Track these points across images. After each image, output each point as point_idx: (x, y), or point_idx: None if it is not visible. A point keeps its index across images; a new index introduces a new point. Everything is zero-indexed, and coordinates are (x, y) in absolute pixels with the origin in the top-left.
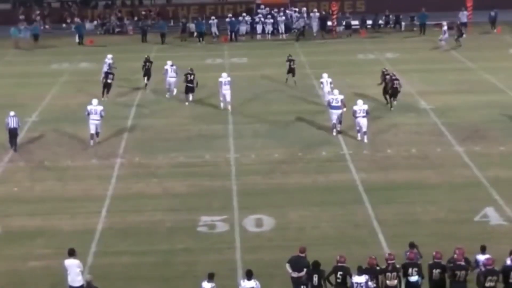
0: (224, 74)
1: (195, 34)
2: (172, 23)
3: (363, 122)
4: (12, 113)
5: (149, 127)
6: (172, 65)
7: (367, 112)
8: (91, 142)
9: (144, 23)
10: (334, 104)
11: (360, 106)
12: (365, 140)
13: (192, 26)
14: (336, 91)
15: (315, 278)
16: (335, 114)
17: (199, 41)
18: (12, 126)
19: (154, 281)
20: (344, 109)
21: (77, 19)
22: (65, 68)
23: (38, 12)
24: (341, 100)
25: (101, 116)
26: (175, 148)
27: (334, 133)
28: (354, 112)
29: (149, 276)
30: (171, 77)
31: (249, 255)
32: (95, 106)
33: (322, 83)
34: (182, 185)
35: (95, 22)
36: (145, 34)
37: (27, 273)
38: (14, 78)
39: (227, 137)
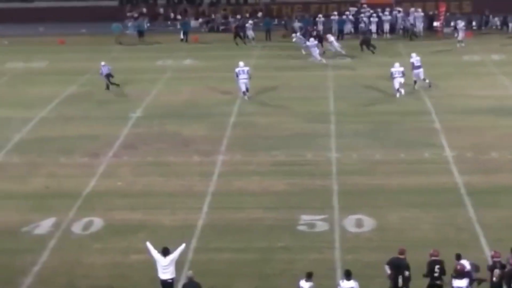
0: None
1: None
2: (276, 21)
3: (400, 80)
4: (103, 63)
5: (251, 124)
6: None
7: (403, 73)
8: (246, 97)
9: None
10: (417, 64)
11: (397, 68)
12: (403, 93)
13: (296, 24)
14: (414, 54)
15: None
16: (416, 73)
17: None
18: (107, 72)
19: (252, 278)
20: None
21: (179, 17)
22: (169, 64)
23: (144, 9)
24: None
25: (248, 75)
26: (277, 146)
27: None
28: (392, 74)
29: (248, 273)
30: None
31: (348, 255)
32: (242, 67)
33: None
34: (283, 183)
35: (200, 20)
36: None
37: (128, 266)
38: (119, 74)
39: (329, 136)
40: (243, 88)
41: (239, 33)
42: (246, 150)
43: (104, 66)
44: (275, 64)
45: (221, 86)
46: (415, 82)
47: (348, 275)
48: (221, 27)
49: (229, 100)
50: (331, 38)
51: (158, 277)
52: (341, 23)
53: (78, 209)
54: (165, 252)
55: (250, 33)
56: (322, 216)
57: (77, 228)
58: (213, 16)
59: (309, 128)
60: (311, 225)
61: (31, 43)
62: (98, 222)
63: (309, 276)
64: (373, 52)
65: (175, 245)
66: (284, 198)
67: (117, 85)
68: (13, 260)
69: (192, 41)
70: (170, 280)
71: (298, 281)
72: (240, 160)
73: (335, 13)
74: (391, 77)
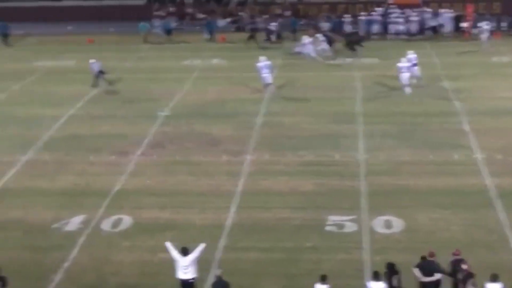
0: None
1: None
2: (303, 22)
3: (406, 75)
4: (92, 60)
5: (279, 124)
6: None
7: (409, 68)
8: (273, 89)
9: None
10: (413, 62)
11: (404, 63)
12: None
13: (325, 24)
14: (410, 51)
15: (395, 280)
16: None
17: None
18: (98, 69)
19: (280, 277)
20: None
21: (202, 15)
22: (196, 64)
23: (172, 8)
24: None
25: (270, 69)
26: (304, 146)
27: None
28: (399, 68)
29: (275, 272)
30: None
31: (377, 256)
32: (264, 62)
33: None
34: (310, 184)
35: (227, 19)
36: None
37: (156, 265)
38: (147, 73)
39: (356, 137)
40: (266, 81)
41: (254, 34)
42: (274, 150)
43: (93, 64)
44: (302, 64)
45: (248, 86)
46: (414, 79)
47: (376, 276)
48: (248, 27)
49: (256, 100)
50: (306, 40)
51: (178, 278)
52: (369, 23)
53: (107, 207)
54: (185, 252)
55: (272, 36)
56: (351, 217)
57: (106, 225)
58: (240, 15)
59: (336, 128)
60: (340, 226)
61: (60, 42)
62: (127, 220)
63: (323, 279)
64: (353, 50)
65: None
66: (312, 198)
67: (110, 82)
68: (43, 256)
69: (219, 40)
70: (192, 280)
71: (314, 284)
72: (268, 160)
73: (363, 13)
74: (398, 71)
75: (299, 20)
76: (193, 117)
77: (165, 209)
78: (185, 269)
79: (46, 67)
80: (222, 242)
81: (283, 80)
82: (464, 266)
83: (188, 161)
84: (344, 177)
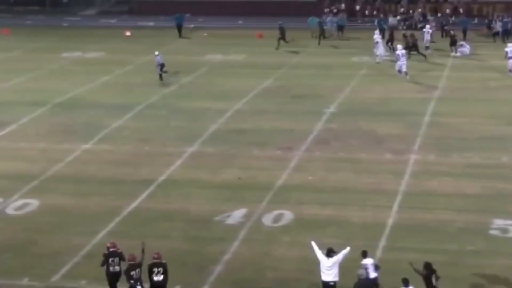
0: None
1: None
2: (476, 21)
3: None
4: (156, 52)
5: (445, 124)
6: None
7: None
8: (407, 77)
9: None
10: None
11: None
12: None
13: (497, 24)
14: (510, 44)
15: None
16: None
17: (494, 40)
18: (161, 62)
19: (440, 280)
20: None
21: (373, 13)
22: (365, 61)
23: (343, 4)
24: None
25: (403, 57)
26: (471, 147)
27: None
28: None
29: None
30: None
31: None
32: (400, 50)
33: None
34: (476, 186)
35: (398, 17)
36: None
37: (315, 262)
38: (315, 69)
39: None
40: (403, 70)
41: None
42: (440, 150)
43: (158, 56)
44: (472, 65)
45: (415, 85)
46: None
47: None
48: (419, 25)
49: (423, 99)
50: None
51: (321, 279)
52: None
53: (269, 202)
54: (330, 253)
55: (427, 38)
56: None
57: (267, 220)
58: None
59: (505, 130)
60: (504, 230)
61: (230, 36)
62: (288, 215)
63: (406, 282)
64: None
65: (362, 242)
66: (477, 201)
67: (162, 74)
68: (204, 248)
69: (389, 38)
70: (332, 283)
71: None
72: (433, 160)
73: None
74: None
75: (471, 19)
76: (358, 114)
77: (326, 205)
78: (328, 270)
79: (216, 60)
80: (383, 242)
81: (452, 81)
82: None
83: (351, 158)
84: (511, 181)
